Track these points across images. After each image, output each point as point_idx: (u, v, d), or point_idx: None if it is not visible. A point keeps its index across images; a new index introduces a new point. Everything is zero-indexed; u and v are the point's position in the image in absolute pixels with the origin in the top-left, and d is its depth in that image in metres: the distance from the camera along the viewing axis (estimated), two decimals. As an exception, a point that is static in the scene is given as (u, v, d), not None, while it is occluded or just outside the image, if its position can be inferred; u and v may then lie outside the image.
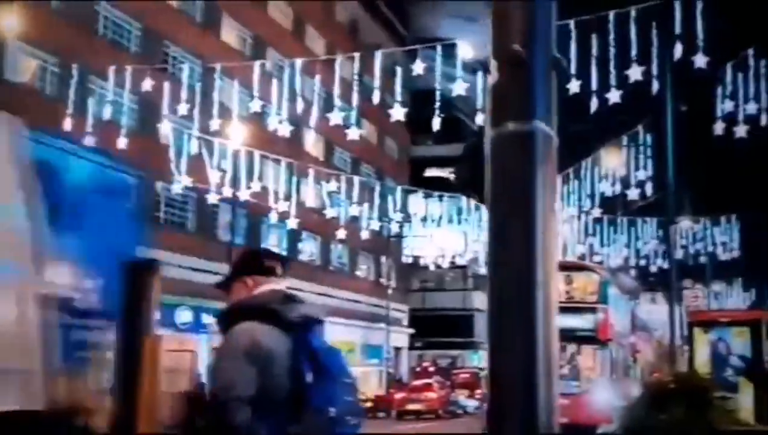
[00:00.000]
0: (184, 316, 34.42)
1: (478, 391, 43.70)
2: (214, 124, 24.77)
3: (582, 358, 25.76)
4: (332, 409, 3.65)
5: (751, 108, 22.60)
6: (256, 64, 24.74)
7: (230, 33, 41.42)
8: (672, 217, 17.33)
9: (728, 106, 22.71)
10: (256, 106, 23.64)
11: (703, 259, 42.71)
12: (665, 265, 36.68)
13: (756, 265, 55.64)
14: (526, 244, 2.81)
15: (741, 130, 22.94)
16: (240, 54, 38.91)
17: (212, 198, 28.98)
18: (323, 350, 3.92)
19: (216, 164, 28.52)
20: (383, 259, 53.84)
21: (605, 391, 23.38)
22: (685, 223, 30.08)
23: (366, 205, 35.75)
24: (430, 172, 71.82)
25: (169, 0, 37.11)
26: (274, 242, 44.26)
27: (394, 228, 52.11)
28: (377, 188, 37.91)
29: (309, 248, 48.11)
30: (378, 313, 51.79)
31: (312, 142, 48.71)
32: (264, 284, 4.06)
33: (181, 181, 27.86)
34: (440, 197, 42.93)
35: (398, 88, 23.10)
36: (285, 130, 23.84)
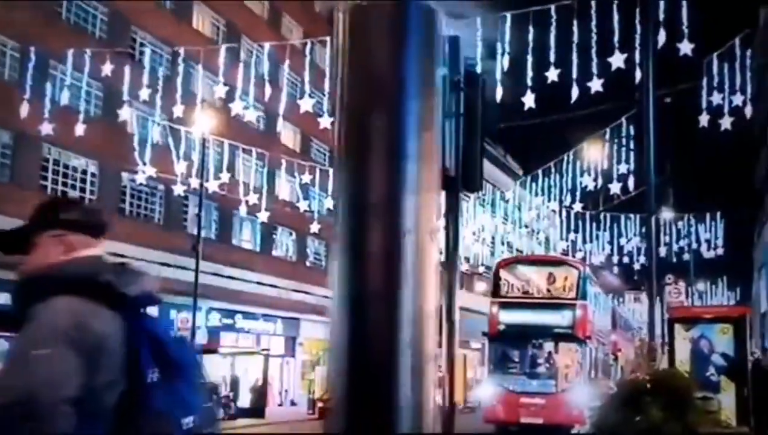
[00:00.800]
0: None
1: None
2: (180, 111, 23.97)
3: (560, 357, 24.82)
4: (187, 418, 2.79)
5: (738, 99, 22.08)
6: (222, 48, 23.91)
7: (202, 20, 40.55)
8: (652, 209, 16.61)
9: (714, 98, 22.16)
10: (221, 91, 22.74)
11: (686, 257, 42.23)
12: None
13: (740, 264, 55.26)
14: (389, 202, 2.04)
15: (726, 122, 22.41)
16: (212, 42, 38.03)
17: (178, 189, 28.17)
18: (169, 340, 2.98)
19: (182, 154, 27.64)
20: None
21: (583, 390, 22.48)
22: (666, 214, 29.23)
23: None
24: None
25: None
26: (246, 237, 43.41)
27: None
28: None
29: (285, 243, 47.24)
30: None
31: (287, 134, 47.94)
32: (84, 248, 3.01)
33: (145, 171, 27.10)
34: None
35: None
36: (251, 115, 22.97)
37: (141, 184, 33.41)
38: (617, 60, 19.60)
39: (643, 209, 37.35)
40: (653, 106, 19.07)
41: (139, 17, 34.63)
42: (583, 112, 25.64)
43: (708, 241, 43.35)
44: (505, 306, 25.48)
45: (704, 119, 22.77)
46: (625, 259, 42.97)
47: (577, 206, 32.55)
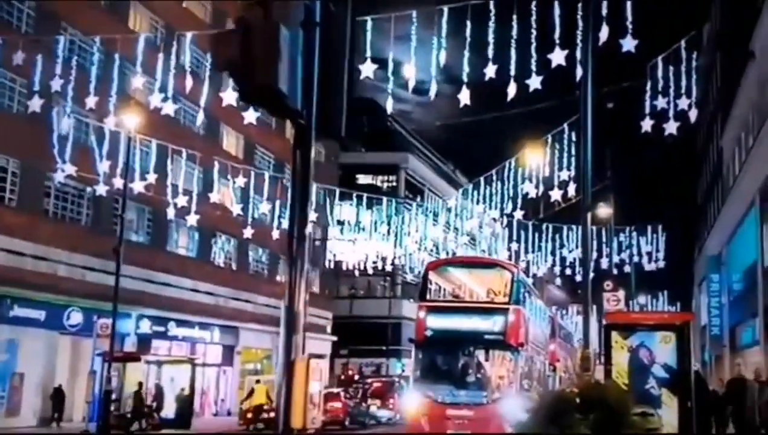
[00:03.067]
0: (74, 317, 31.17)
1: (392, 401, 40.98)
2: (111, 109, 22.07)
3: (491, 365, 22.70)
4: None
5: (683, 103, 20.68)
6: (142, 37, 21.92)
7: (140, 21, 38.37)
8: (586, 204, 14.97)
9: (659, 102, 20.76)
10: (138, 83, 20.75)
11: (628, 269, 40.95)
12: (592, 275, 34.63)
13: (682, 277, 54.32)
14: None
15: (671, 127, 20.97)
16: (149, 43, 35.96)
17: (100, 189, 26.04)
18: None
19: (107, 154, 25.56)
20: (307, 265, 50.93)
21: (516, 401, 20.24)
22: (604, 220, 27.41)
23: (279, 204, 33.11)
24: (363, 180, 69.57)
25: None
26: (183, 243, 41.20)
27: (317, 232, 49.62)
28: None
29: (225, 249, 45.06)
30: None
31: (230, 140, 45.95)
32: None
33: (65, 170, 25.01)
34: (368, 203, 40.67)
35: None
36: (169, 108, 20.89)
37: (66, 186, 31.36)
38: (558, 57, 18.03)
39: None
40: (592, 104, 17.42)
41: (69, 14, 32.41)
42: (521, 110, 23.90)
43: (649, 254, 42.28)
44: (432, 310, 23.06)
45: (647, 124, 21.21)
46: (568, 271, 41.67)
47: (518, 214, 30.95)
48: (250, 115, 20.86)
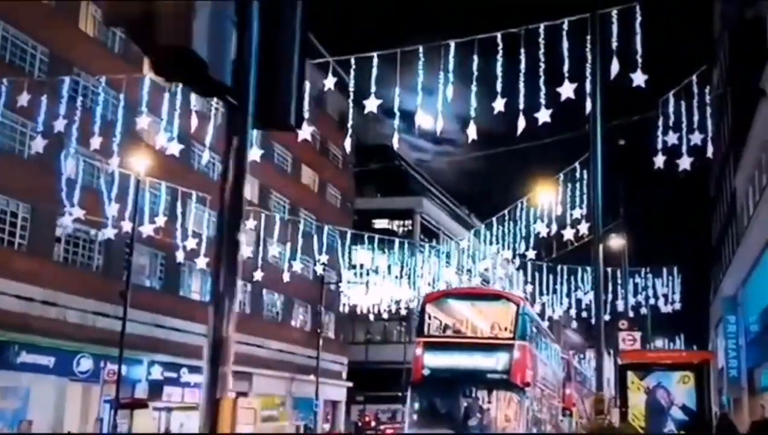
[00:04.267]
0: (84, 364, 30.25)
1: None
2: (121, 154, 21.42)
3: (495, 407, 20.24)
4: None
5: (696, 138, 19.78)
6: (147, 79, 21.27)
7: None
8: (598, 235, 14.02)
9: (670, 137, 19.85)
10: (143, 123, 20.05)
11: (644, 311, 39.71)
12: (607, 317, 33.57)
13: (698, 319, 52.90)
14: None
15: (685, 162, 20.02)
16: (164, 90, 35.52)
17: (108, 233, 25.33)
18: None
19: (116, 197, 24.84)
20: (320, 308, 50.04)
21: None
22: (615, 242, 26.15)
23: (290, 246, 32.29)
24: (379, 224, 68.74)
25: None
26: (195, 287, 40.29)
27: (331, 277, 48.67)
28: (312, 231, 34.69)
29: (238, 295, 44.07)
30: (312, 365, 47.82)
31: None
32: None
33: (72, 213, 24.32)
34: (382, 247, 39.79)
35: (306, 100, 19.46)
36: (174, 149, 20.17)
37: (78, 230, 30.71)
38: (567, 90, 17.21)
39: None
40: (602, 135, 16.57)
41: (81, 59, 31.96)
42: (530, 144, 23.04)
43: (665, 296, 41.12)
44: (431, 347, 20.78)
45: (660, 160, 20.25)
46: (584, 314, 40.45)
47: (531, 254, 29.89)
48: (255, 154, 19.99)
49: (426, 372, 20.18)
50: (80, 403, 31.80)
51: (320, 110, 46.39)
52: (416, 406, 20.66)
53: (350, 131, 19.53)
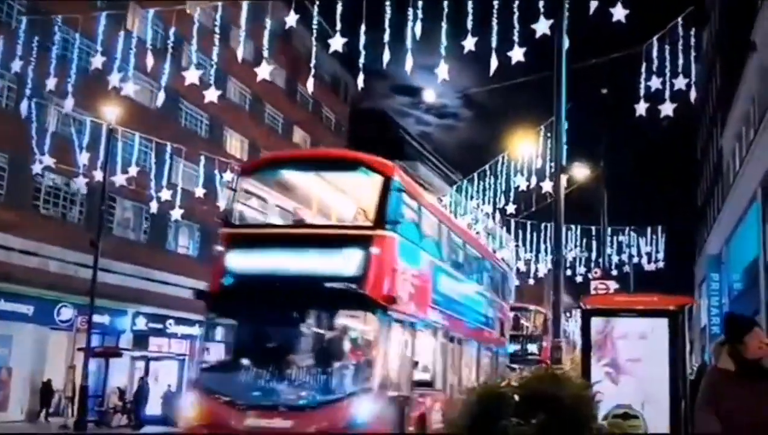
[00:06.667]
0: (65, 313, 28.36)
1: None
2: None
3: (341, 341, 12.27)
4: None
5: (680, 83, 17.61)
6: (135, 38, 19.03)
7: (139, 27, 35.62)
8: (561, 168, 11.94)
9: (654, 82, 17.68)
10: (97, 62, 17.73)
11: (627, 269, 37.75)
12: (590, 275, 31.63)
13: (682, 278, 50.78)
14: None
15: (668, 108, 17.84)
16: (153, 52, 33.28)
17: (80, 182, 23.32)
18: None
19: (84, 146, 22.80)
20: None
21: (374, 402, 11.30)
22: (579, 171, 23.65)
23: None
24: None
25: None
26: (183, 242, 38.23)
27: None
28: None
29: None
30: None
31: (234, 143, 43.02)
32: None
33: (42, 161, 22.26)
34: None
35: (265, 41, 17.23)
36: (128, 89, 17.91)
37: (57, 182, 28.84)
38: (542, 26, 14.97)
39: (582, 217, 32.86)
40: (566, 74, 14.12)
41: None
42: (503, 84, 20.73)
43: (649, 254, 39.12)
44: (238, 241, 12.80)
45: (642, 108, 18.12)
46: (568, 272, 38.40)
47: (511, 208, 27.78)
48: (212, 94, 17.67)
49: (227, 281, 12.38)
50: (64, 352, 29.99)
51: (316, 74, 44.08)
52: (209, 336, 13.39)
53: (312, 71, 17.26)
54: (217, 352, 13.38)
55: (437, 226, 15.57)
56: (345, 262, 11.92)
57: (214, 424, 11.41)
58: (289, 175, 14.42)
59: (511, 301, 25.87)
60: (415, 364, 13.18)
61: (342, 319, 12.21)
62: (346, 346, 12.09)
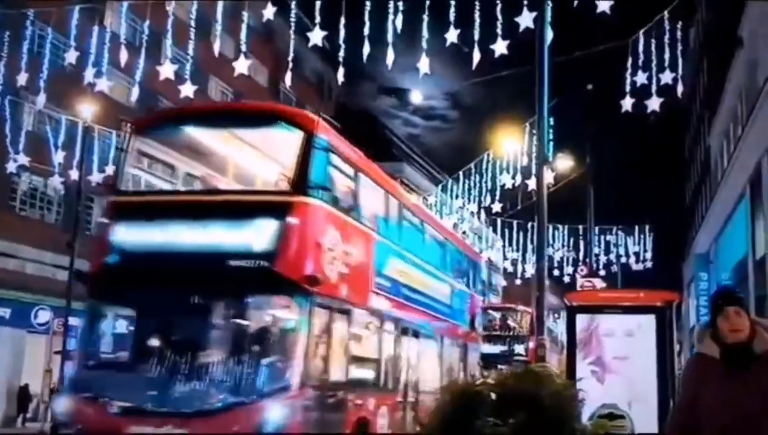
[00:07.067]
0: (42, 316, 27.76)
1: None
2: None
3: (251, 331, 10.21)
4: None
5: (667, 77, 17.28)
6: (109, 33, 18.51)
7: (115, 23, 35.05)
8: (542, 158, 11.56)
9: (640, 77, 17.35)
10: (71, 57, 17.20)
11: (614, 269, 37.45)
12: (578, 274, 31.31)
13: (670, 278, 50.47)
14: None
15: (654, 103, 17.47)
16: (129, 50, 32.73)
17: (56, 181, 22.84)
18: None
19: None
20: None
21: (290, 404, 9.44)
22: (561, 163, 23.09)
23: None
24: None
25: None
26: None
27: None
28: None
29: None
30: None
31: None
32: None
33: (17, 160, 21.74)
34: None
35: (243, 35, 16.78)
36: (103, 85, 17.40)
37: (35, 183, 28.34)
38: (525, 19, 14.57)
39: (569, 216, 32.44)
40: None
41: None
42: (485, 78, 20.35)
43: (636, 254, 38.87)
44: (127, 211, 10.75)
45: (628, 103, 17.82)
46: (555, 272, 38.00)
47: (496, 206, 27.36)
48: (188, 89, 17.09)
49: (112, 259, 10.30)
50: (43, 355, 29.39)
51: (299, 75, 43.76)
52: (89, 327, 11.38)
53: (290, 65, 16.77)
54: (106, 346, 11.58)
55: (384, 198, 13.43)
56: (256, 235, 9.63)
57: (90, 432, 9.50)
58: (194, 133, 11.74)
59: (497, 299, 25.50)
60: (353, 359, 11.13)
61: (252, 303, 9.94)
62: (258, 336, 9.85)
